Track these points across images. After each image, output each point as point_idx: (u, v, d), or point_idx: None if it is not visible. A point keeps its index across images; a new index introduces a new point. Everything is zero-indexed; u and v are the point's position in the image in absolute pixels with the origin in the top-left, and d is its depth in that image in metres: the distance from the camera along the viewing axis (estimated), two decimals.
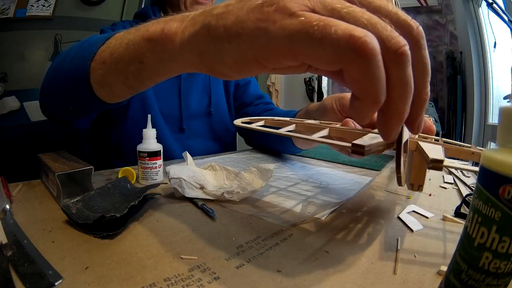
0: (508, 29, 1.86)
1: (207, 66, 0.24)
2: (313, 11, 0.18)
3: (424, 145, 0.28)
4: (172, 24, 0.25)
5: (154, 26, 0.26)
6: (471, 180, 0.53)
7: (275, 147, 0.73)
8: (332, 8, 0.18)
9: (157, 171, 0.46)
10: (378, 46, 0.17)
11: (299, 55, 0.19)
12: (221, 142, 0.79)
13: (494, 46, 2.05)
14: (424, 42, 0.19)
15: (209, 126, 0.76)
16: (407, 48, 0.17)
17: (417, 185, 0.29)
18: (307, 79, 2.96)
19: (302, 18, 0.18)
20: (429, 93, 0.20)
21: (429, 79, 0.20)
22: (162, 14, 0.72)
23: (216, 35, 0.21)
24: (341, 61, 0.17)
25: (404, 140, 0.25)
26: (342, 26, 0.17)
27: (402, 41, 0.17)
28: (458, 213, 0.37)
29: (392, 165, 0.65)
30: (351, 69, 0.18)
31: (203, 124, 0.75)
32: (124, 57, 0.29)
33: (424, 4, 2.69)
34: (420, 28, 0.19)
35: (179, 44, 0.24)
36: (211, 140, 0.77)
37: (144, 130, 0.47)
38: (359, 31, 0.17)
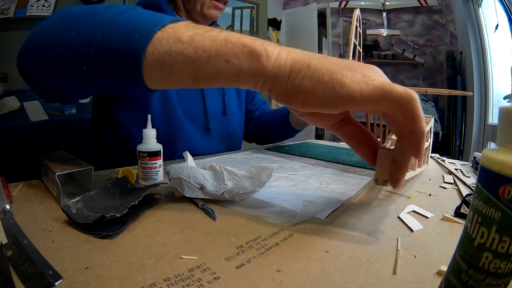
0: (509, 29, 1.86)
1: (281, 93, 0.28)
2: None
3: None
4: (268, 45, 0.28)
5: (249, 38, 0.28)
6: (471, 180, 0.53)
7: (275, 131, 0.80)
8: None
9: (157, 171, 0.46)
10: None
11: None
12: (235, 143, 0.80)
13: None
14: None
15: (226, 126, 0.76)
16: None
17: (381, 180, 0.31)
18: None
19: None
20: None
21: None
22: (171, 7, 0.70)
23: (317, 77, 0.26)
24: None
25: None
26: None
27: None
28: (458, 213, 0.37)
29: None
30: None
31: (221, 124, 0.75)
32: (210, 48, 0.27)
33: (424, 4, 2.69)
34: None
35: (272, 64, 0.27)
36: (229, 140, 0.78)
37: (144, 130, 0.47)
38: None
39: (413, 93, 0.26)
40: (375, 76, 0.27)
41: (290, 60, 0.27)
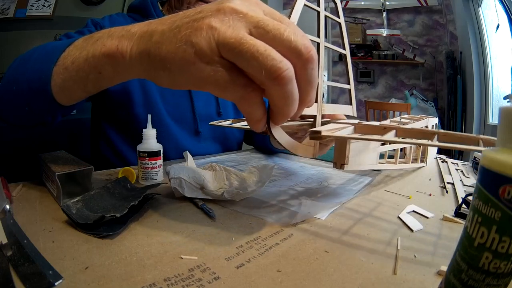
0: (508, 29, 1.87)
1: (152, 80, 0.28)
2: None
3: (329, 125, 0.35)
4: (123, 42, 0.28)
5: (110, 41, 0.29)
6: (471, 180, 0.53)
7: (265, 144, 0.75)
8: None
9: (157, 171, 0.46)
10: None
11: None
12: (232, 144, 0.79)
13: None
14: (312, 64, 0.24)
15: (221, 128, 0.75)
16: (286, 73, 0.22)
17: (339, 163, 0.33)
18: None
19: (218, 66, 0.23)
20: (312, 100, 0.27)
21: (312, 91, 0.26)
22: (161, 9, 0.70)
23: (154, 63, 0.26)
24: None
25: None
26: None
27: (283, 67, 0.22)
28: (458, 213, 0.37)
29: None
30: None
31: (215, 126, 0.74)
32: (85, 67, 0.32)
33: (424, 4, 2.69)
34: (311, 52, 0.23)
35: (129, 61, 0.28)
36: (224, 142, 0.77)
37: (144, 130, 0.47)
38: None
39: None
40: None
41: (137, 53, 0.27)
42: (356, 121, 0.42)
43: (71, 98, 0.37)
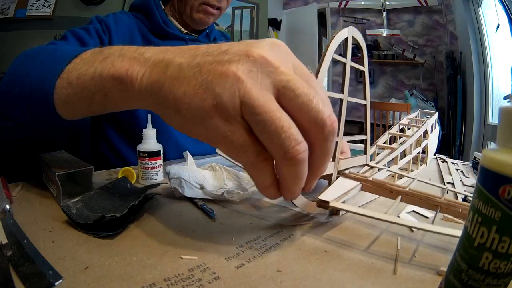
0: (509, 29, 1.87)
1: (161, 116, 0.25)
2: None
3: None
4: (135, 67, 0.26)
5: (120, 62, 0.27)
6: (471, 180, 0.53)
7: None
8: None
9: (157, 171, 0.46)
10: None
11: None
12: None
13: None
14: (333, 136, 0.23)
15: None
16: (301, 156, 0.21)
17: (333, 208, 0.33)
18: None
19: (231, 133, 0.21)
20: (325, 169, 0.25)
21: (327, 163, 0.25)
22: (163, 8, 0.70)
23: (166, 102, 0.23)
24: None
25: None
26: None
27: (300, 149, 0.21)
28: None
29: None
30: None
31: None
32: (90, 86, 0.29)
33: (424, 4, 2.69)
34: (335, 124, 0.22)
35: (138, 89, 0.25)
36: None
37: (144, 130, 0.47)
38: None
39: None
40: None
41: (148, 83, 0.25)
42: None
43: (74, 114, 0.35)
